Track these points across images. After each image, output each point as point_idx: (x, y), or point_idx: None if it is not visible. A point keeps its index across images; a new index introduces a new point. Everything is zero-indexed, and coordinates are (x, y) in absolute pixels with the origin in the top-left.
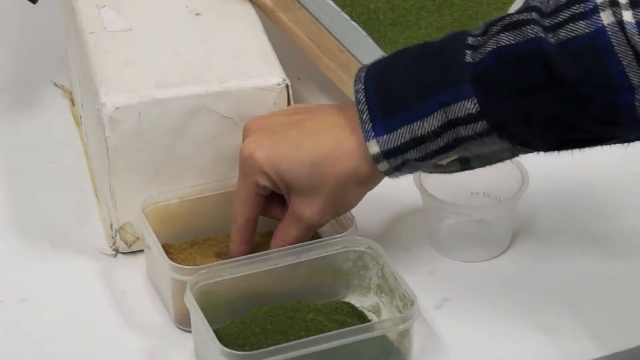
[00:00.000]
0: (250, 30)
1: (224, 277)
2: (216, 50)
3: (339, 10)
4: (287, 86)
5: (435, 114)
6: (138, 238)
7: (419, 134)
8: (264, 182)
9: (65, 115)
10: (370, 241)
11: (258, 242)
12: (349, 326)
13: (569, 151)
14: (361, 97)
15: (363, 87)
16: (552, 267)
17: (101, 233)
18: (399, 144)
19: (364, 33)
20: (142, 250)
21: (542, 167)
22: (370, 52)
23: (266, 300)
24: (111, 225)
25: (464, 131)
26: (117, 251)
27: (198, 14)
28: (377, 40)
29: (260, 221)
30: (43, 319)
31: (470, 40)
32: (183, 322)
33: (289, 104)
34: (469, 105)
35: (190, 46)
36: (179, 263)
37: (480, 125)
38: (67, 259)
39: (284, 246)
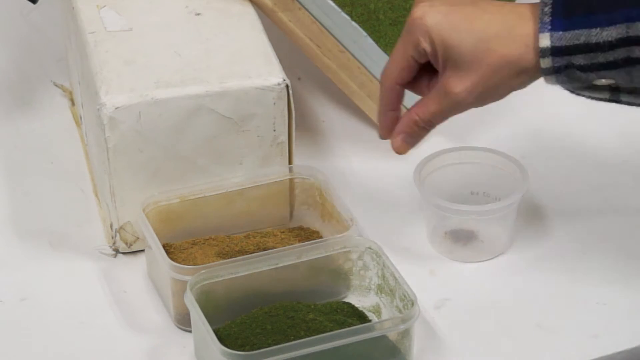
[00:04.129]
0: (250, 30)
1: (224, 277)
2: (216, 50)
3: (339, 10)
4: (287, 86)
5: (617, 26)
6: (138, 238)
7: (594, 41)
8: (425, 45)
9: (65, 115)
10: (370, 241)
11: (259, 241)
12: (349, 326)
13: None
14: None
15: None
16: (552, 267)
17: (101, 233)
18: (570, 44)
19: (364, 33)
20: (142, 250)
21: (542, 167)
22: (370, 52)
23: (266, 300)
24: (111, 225)
25: (638, 52)
26: (117, 251)
27: (198, 14)
28: (377, 40)
29: (259, 221)
30: (43, 319)
31: None
32: (183, 322)
33: (289, 104)
34: None
35: (190, 46)
36: (179, 263)
37: None
38: (67, 259)
39: (415, 121)
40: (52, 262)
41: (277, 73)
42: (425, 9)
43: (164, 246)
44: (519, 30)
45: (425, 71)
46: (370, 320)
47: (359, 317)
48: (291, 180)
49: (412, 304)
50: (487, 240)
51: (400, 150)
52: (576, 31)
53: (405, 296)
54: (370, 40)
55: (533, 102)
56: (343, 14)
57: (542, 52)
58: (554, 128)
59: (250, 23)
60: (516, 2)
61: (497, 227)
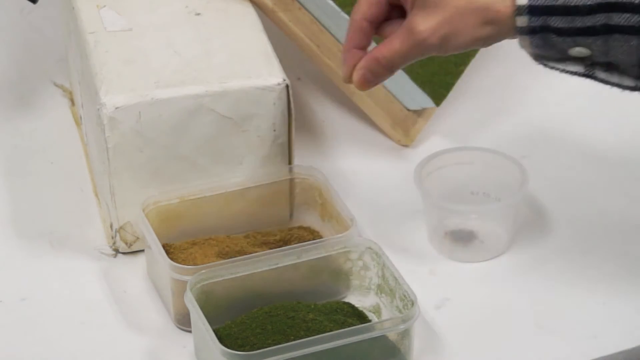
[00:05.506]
0: (250, 30)
1: (224, 277)
2: (216, 50)
3: (339, 10)
4: (287, 86)
5: None
6: (138, 238)
7: (573, 3)
8: None
9: (65, 115)
10: (370, 241)
11: (259, 241)
12: (349, 326)
13: None
14: None
15: None
16: (552, 267)
17: (101, 233)
18: (548, 4)
19: None
20: (142, 250)
21: (542, 167)
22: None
23: (266, 300)
24: (111, 225)
25: (617, 18)
26: (117, 251)
27: (198, 14)
28: (377, 40)
29: (259, 221)
30: (43, 319)
31: None
32: (183, 322)
33: (289, 104)
34: None
35: (190, 46)
36: (179, 263)
37: (635, 19)
38: (67, 259)
39: (378, 59)
40: (52, 262)
41: (277, 73)
42: None
43: (164, 246)
44: None
45: (397, 17)
46: (370, 320)
47: (359, 317)
48: (291, 180)
49: (412, 304)
50: (487, 240)
51: (360, 87)
52: None
53: (405, 296)
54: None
55: (533, 102)
56: (343, 14)
57: (519, 10)
58: (554, 128)
59: (250, 23)
60: None
61: (497, 227)
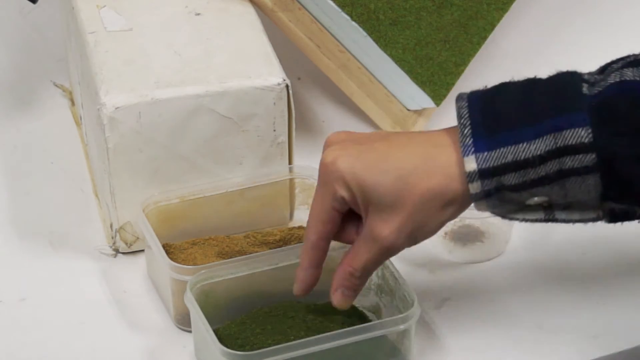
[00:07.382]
0: (250, 30)
1: (224, 277)
2: (216, 50)
3: (339, 10)
4: (287, 86)
5: (545, 137)
6: (138, 238)
7: (523, 157)
8: (342, 192)
9: (65, 115)
10: None
11: (259, 241)
12: (349, 326)
13: None
14: (464, 113)
15: (466, 104)
16: (551, 267)
17: (101, 233)
18: (498, 163)
19: (364, 33)
20: (142, 250)
21: None
22: (370, 52)
23: (266, 300)
24: (111, 225)
25: (569, 162)
26: (117, 251)
27: (198, 14)
28: (377, 40)
29: (259, 221)
30: (43, 319)
31: (586, 76)
32: (183, 322)
33: (289, 104)
34: (583, 134)
35: (190, 46)
36: (179, 263)
37: (588, 159)
38: (67, 259)
39: (351, 273)
40: (52, 262)
41: (277, 73)
42: (336, 152)
43: (164, 246)
44: (438, 160)
45: (350, 218)
46: (370, 320)
47: (359, 317)
48: (291, 180)
49: (412, 304)
50: (487, 241)
51: (342, 305)
52: (502, 149)
53: (405, 296)
54: (370, 40)
55: None
56: (343, 14)
57: (470, 177)
58: None
59: (250, 23)
60: (425, 130)
61: (497, 228)
